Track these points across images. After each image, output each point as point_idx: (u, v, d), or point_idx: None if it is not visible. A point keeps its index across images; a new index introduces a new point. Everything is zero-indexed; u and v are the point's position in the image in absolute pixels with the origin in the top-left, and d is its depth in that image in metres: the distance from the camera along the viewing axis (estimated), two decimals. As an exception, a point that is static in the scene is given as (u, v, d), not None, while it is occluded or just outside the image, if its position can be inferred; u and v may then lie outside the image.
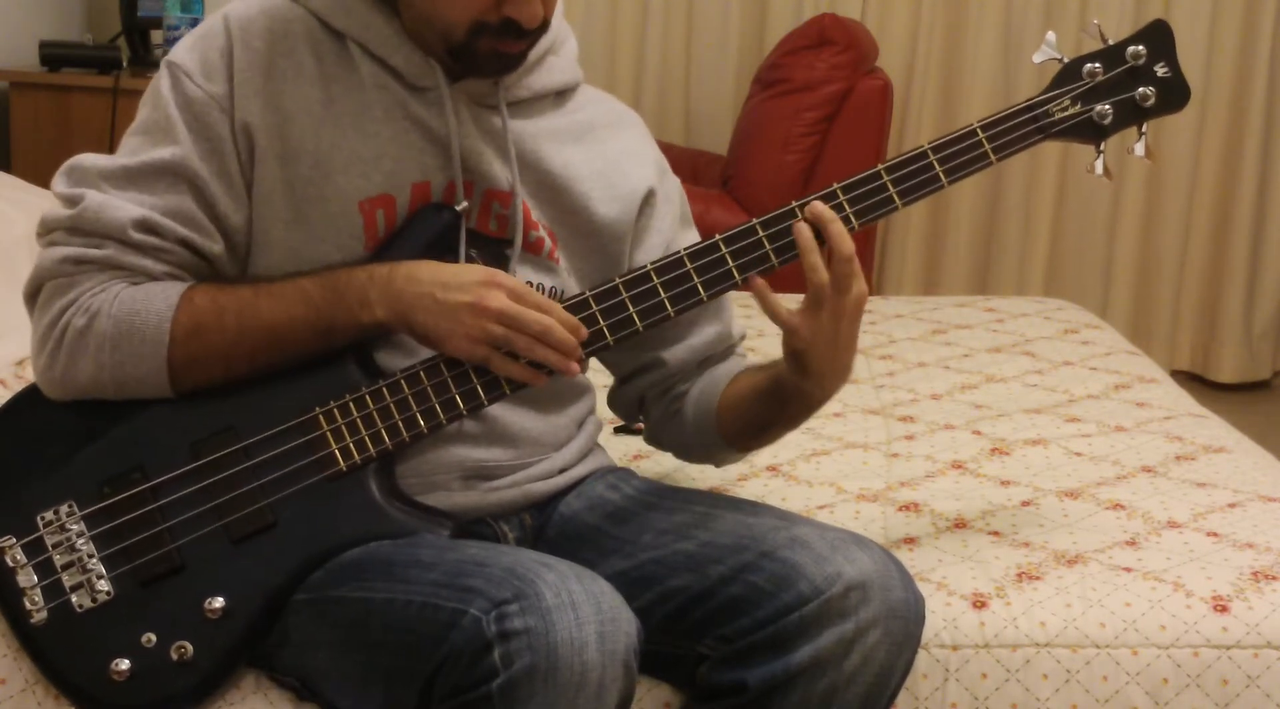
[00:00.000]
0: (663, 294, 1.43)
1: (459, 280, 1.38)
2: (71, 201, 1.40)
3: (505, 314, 1.36)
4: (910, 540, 1.68)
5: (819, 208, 1.42)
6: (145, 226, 1.39)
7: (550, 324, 1.37)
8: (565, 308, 1.40)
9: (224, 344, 1.39)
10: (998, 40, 4.25)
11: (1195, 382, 4.35)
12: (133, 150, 1.42)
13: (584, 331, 1.40)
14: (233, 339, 1.38)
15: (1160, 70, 1.51)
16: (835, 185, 1.44)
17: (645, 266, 1.43)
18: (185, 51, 1.44)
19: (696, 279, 1.43)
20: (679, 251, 1.44)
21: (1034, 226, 4.34)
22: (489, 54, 1.41)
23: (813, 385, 1.45)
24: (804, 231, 1.41)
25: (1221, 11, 4.22)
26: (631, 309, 1.42)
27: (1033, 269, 4.36)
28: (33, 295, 1.43)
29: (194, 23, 3.53)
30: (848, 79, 3.65)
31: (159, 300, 1.38)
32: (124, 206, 1.39)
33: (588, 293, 1.42)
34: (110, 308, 1.38)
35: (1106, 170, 1.53)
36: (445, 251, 1.44)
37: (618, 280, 1.43)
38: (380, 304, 1.38)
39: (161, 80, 1.43)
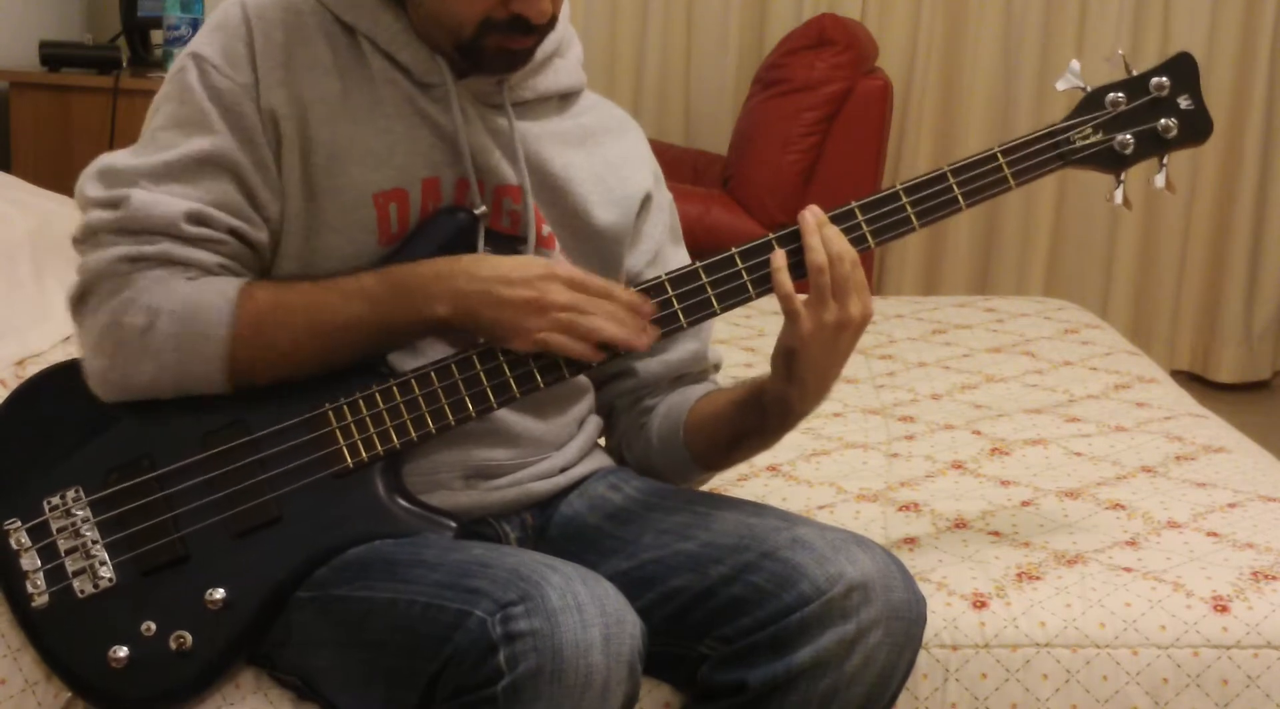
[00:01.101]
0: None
1: (520, 275, 1.38)
2: (113, 203, 1.38)
3: (571, 306, 1.37)
4: (910, 540, 1.68)
5: (814, 210, 1.42)
6: (197, 218, 1.38)
7: (613, 309, 1.38)
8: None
9: (288, 342, 1.38)
10: (998, 40, 4.25)
11: (1195, 382, 4.35)
12: (167, 145, 1.41)
13: (649, 306, 1.41)
14: (300, 337, 1.38)
15: (1183, 102, 1.50)
16: (853, 203, 1.44)
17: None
18: (206, 43, 1.43)
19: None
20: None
21: (1034, 226, 4.34)
22: (496, 51, 1.42)
23: (796, 394, 1.44)
24: (807, 216, 1.42)
25: (1221, 12, 4.22)
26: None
27: (1033, 269, 4.36)
28: (82, 298, 1.40)
29: (194, 23, 3.53)
30: (848, 79, 3.65)
31: (220, 298, 1.37)
32: (172, 201, 1.38)
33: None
34: (171, 306, 1.36)
35: (1126, 200, 1.52)
36: (463, 252, 1.44)
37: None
38: (443, 301, 1.38)
39: (188, 73, 1.42)
